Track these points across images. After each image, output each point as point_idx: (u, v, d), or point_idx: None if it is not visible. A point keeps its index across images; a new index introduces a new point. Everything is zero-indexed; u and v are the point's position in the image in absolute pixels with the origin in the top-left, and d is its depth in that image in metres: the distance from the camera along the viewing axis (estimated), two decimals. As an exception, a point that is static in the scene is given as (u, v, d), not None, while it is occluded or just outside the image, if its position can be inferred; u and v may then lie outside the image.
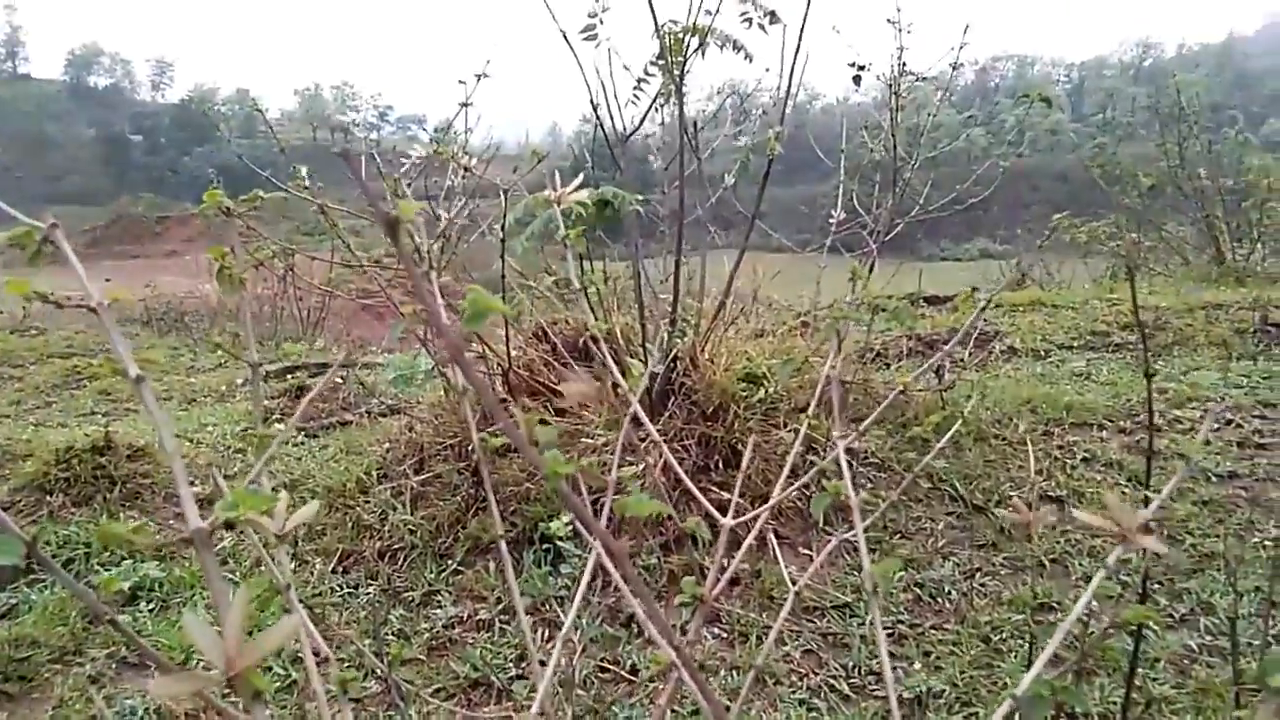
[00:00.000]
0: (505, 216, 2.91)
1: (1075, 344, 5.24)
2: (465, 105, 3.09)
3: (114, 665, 2.68)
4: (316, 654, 2.63)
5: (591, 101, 3.30)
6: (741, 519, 1.45)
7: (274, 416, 5.38)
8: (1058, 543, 3.06)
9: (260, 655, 0.64)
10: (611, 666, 2.60)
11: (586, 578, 1.47)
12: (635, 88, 3.40)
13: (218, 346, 8.76)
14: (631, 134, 3.32)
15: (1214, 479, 3.36)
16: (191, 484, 2.55)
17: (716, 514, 1.42)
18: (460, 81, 3.39)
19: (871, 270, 3.93)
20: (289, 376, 6.66)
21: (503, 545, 1.27)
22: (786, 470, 1.76)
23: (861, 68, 3.60)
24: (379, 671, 2.57)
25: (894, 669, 2.51)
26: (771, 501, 1.45)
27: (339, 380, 6.17)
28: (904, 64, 3.75)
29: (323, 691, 1.10)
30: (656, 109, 3.33)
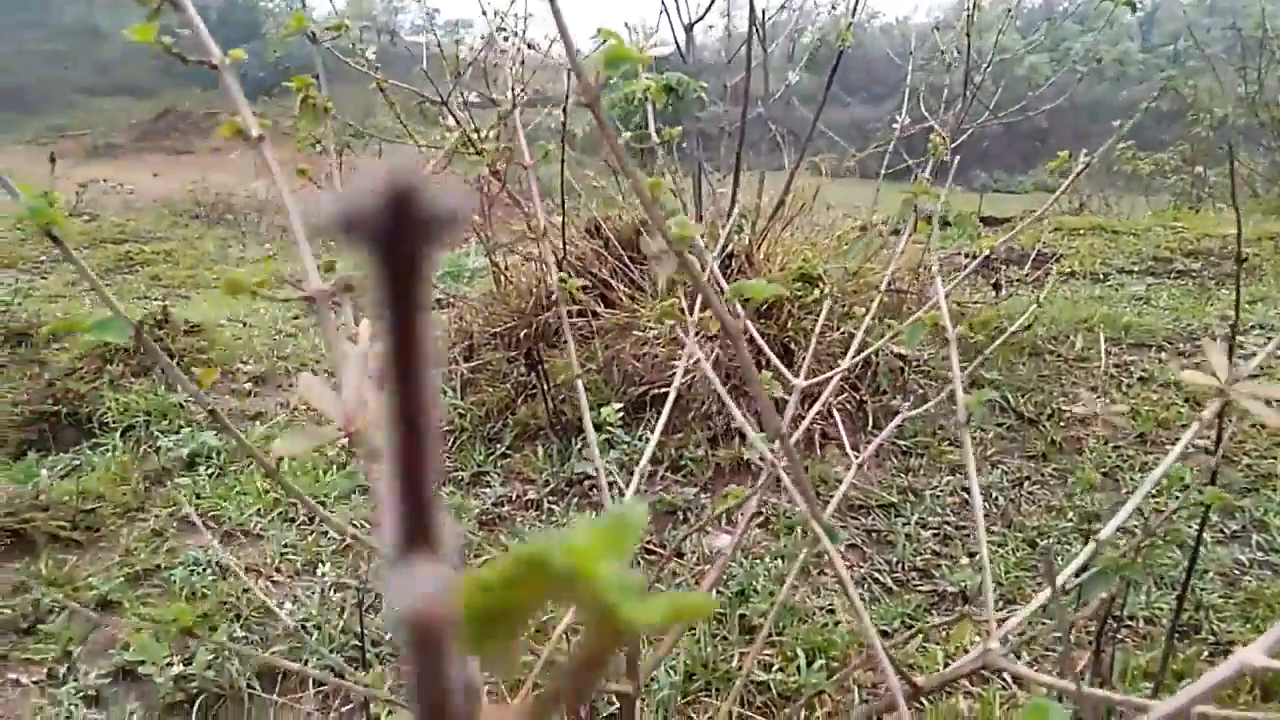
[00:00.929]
0: (568, 98, 2.86)
1: (1135, 269, 5.11)
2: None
3: (175, 523, 2.77)
4: (373, 522, 2.68)
5: (659, -14, 3.21)
6: (812, 381, 1.44)
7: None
8: (1109, 457, 3.03)
9: (379, 411, 0.64)
10: (658, 549, 2.64)
11: (652, 446, 1.47)
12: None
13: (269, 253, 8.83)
14: (697, 21, 3.23)
15: (1275, 404, 3.29)
16: (246, 361, 2.58)
17: (788, 374, 1.41)
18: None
19: (937, 176, 3.84)
20: (338, 266, 6.70)
21: (580, 387, 1.27)
22: (852, 350, 1.74)
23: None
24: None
25: (939, 564, 2.52)
26: (844, 365, 1.43)
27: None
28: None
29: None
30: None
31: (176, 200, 12.05)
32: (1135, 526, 2.46)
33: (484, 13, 3.08)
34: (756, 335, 1.76)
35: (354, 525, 2.30)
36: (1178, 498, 2.59)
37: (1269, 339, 3.65)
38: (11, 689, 2.00)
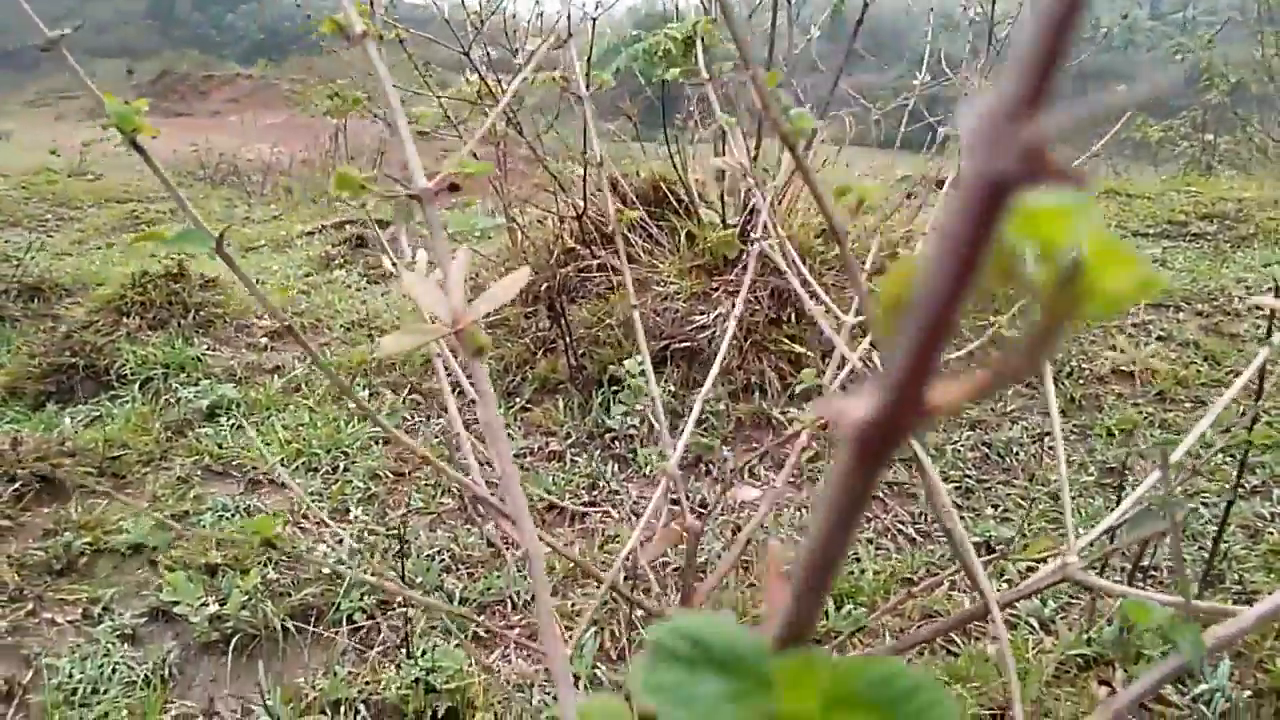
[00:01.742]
0: (591, 49, 2.83)
1: (1150, 232, 5.10)
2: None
3: (199, 471, 2.78)
4: (395, 473, 2.69)
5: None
6: (860, 319, 1.44)
7: (335, 263, 5.42)
8: (1128, 413, 3.04)
9: (483, 313, 0.65)
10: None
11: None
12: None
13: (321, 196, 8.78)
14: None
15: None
16: (261, 317, 2.56)
17: (838, 311, 1.41)
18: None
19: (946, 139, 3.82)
20: (346, 227, 6.68)
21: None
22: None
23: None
24: (454, 490, 2.65)
25: (961, 517, 2.54)
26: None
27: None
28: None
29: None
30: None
31: (177, 161, 11.97)
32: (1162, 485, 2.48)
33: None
34: (800, 281, 1.76)
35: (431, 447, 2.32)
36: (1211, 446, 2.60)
37: (1287, 300, 3.65)
38: (48, 628, 2.02)
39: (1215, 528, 2.40)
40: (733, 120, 1.49)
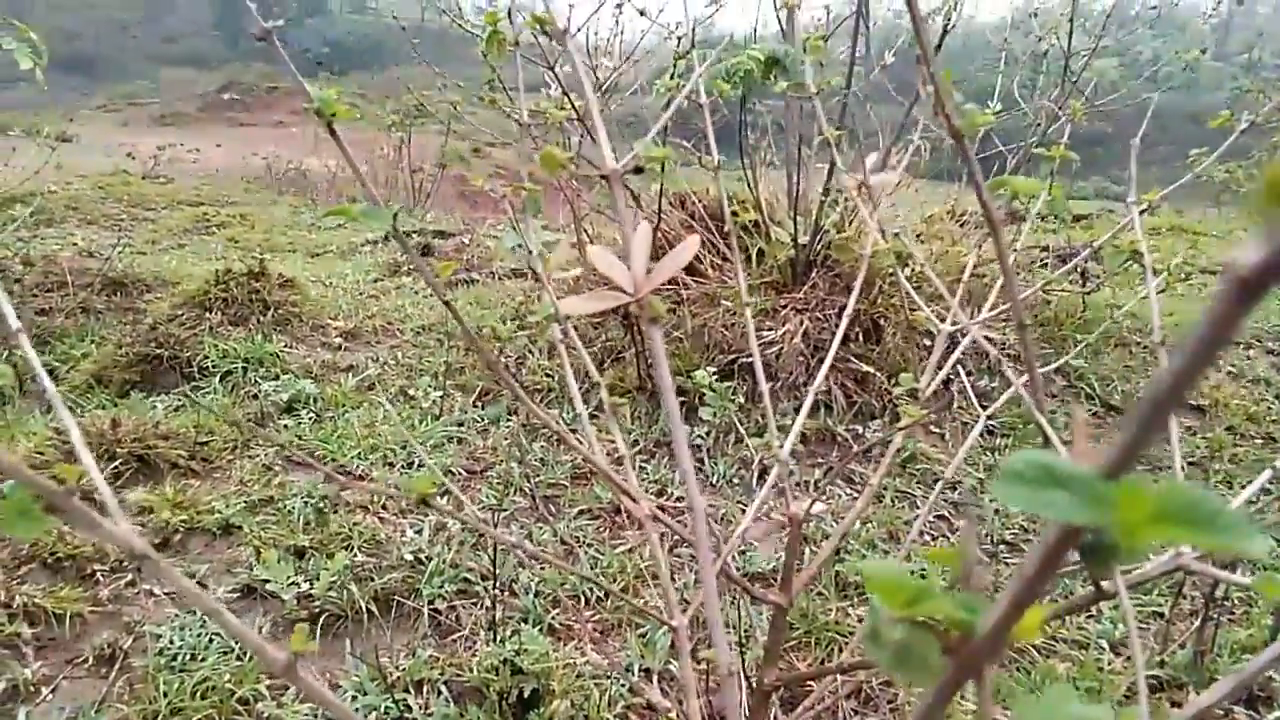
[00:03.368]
0: (675, 64, 2.91)
1: (1218, 269, 5.06)
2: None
3: (281, 460, 2.88)
4: (468, 470, 2.76)
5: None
6: (957, 326, 1.48)
7: (402, 269, 5.55)
8: (1197, 447, 3.03)
9: (661, 280, 0.71)
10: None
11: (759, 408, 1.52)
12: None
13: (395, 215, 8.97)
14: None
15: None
16: (335, 318, 2.66)
17: (936, 321, 1.46)
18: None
19: (1016, 171, 3.84)
20: (412, 237, 6.85)
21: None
22: (989, 302, 1.78)
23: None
24: (526, 489, 2.72)
25: (1029, 539, 2.55)
26: (988, 308, 1.48)
27: (463, 243, 6.32)
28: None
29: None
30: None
31: (241, 170, 12.32)
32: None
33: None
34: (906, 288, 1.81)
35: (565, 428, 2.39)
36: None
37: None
38: (146, 598, 2.11)
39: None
40: (840, 133, 1.55)
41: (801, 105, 3.33)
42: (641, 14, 3.02)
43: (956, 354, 1.63)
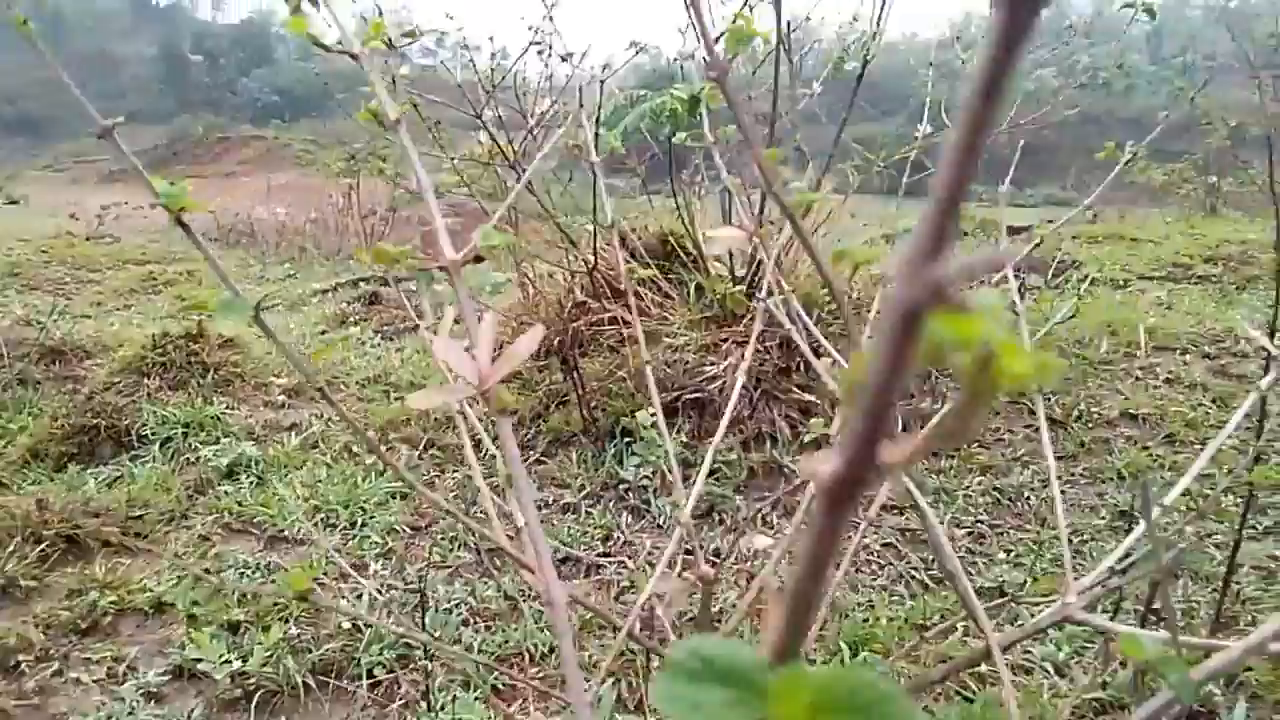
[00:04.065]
0: (600, 109, 2.92)
1: (1156, 275, 5.15)
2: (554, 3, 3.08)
3: (219, 529, 2.82)
4: (412, 527, 2.73)
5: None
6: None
7: (350, 320, 5.51)
8: (1138, 456, 3.05)
9: (505, 373, 0.69)
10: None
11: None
12: (728, -12, 3.36)
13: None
14: (722, 35, 3.28)
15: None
16: (278, 375, 2.63)
17: (843, 361, 1.45)
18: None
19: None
20: (360, 285, 6.80)
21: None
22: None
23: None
24: (471, 544, 2.68)
25: (975, 562, 2.56)
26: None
27: (411, 289, 6.27)
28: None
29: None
30: (749, 8, 3.29)
31: (192, 223, 12.15)
32: (1172, 524, 2.50)
33: (529, 29, 3.13)
34: (798, 338, 1.81)
35: (449, 503, 2.36)
36: (1213, 488, 2.62)
37: (1293, 340, 3.69)
38: (74, 687, 2.04)
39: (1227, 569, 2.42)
40: (738, 182, 1.55)
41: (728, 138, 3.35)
42: (564, 59, 3.03)
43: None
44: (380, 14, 4.03)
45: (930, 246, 0.19)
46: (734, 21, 0.74)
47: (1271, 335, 1.66)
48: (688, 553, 2.58)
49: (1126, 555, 1.01)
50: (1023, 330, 1.35)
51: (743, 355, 3.24)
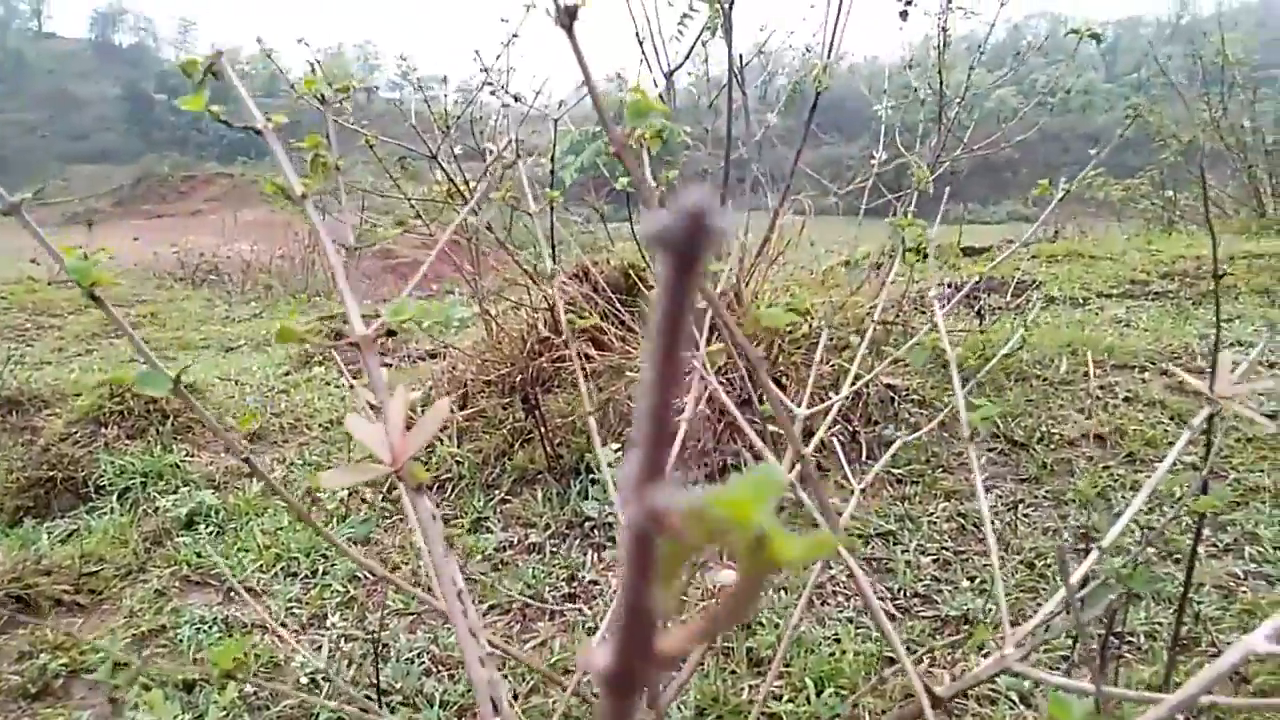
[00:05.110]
0: (554, 147, 2.93)
1: (1114, 292, 5.21)
2: (513, 38, 3.10)
3: (177, 582, 2.77)
4: (372, 573, 2.68)
5: (636, 35, 3.30)
6: (813, 410, 1.48)
7: (314, 359, 5.46)
8: (1100, 478, 3.07)
9: (420, 446, 0.68)
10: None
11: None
12: (680, 22, 3.39)
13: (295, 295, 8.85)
14: (677, 68, 3.32)
15: (1258, 418, 3.35)
16: (234, 418, 2.58)
17: (789, 403, 1.45)
18: (503, 19, 3.40)
19: (909, 211, 3.93)
20: (325, 323, 6.76)
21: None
22: (850, 378, 1.79)
23: (909, 2, 3.57)
24: (432, 589, 2.64)
25: (940, 590, 2.55)
26: (843, 392, 1.48)
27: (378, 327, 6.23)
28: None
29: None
30: (702, 43, 3.32)
31: (158, 263, 12.09)
32: (1132, 543, 2.51)
33: (482, 69, 3.15)
34: (749, 371, 1.80)
35: (373, 572, 2.33)
36: (1171, 509, 2.64)
37: (1248, 354, 3.74)
38: (22, 755, 1.99)
39: (1192, 586, 2.43)
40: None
41: (681, 178, 3.37)
42: (516, 99, 3.04)
43: (821, 432, 1.63)
44: (314, 70, 4.03)
45: (647, 474, 0.18)
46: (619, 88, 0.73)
47: (1213, 362, 1.68)
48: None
49: (1064, 601, 1.01)
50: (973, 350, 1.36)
51: (705, 386, 3.23)
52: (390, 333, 0.73)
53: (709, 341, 1.45)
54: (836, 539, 0.20)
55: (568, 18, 0.56)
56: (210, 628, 2.44)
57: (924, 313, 4.60)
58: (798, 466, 1.56)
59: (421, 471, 0.67)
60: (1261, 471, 2.99)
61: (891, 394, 3.51)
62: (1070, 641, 2.11)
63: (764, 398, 1.50)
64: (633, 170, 0.69)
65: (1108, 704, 0.73)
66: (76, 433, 3.78)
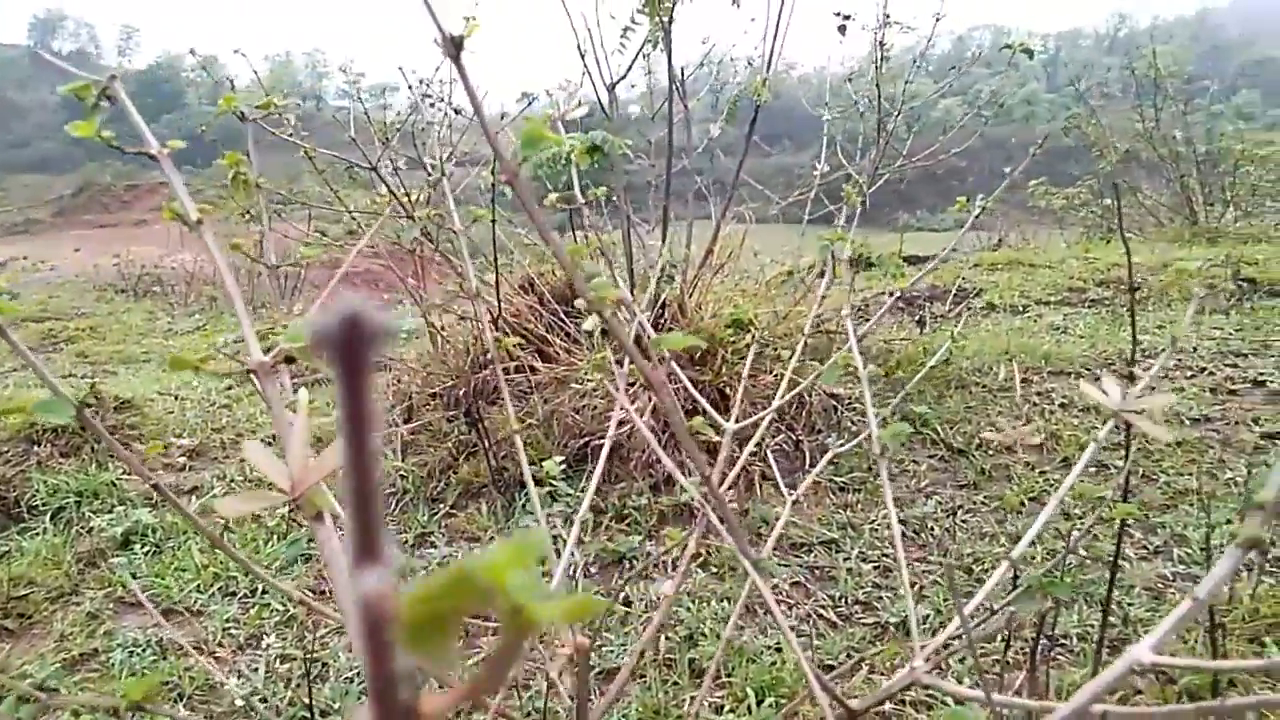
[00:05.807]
0: (495, 160, 2.92)
1: (1052, 299, 5.33)
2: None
3: (111, 604, 2.71)
4: (315, 591, 2.65)
5: (578, 48, 3.31)
6: (743, 424, 1.50)
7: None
8: (1036, 482, 3.14)
9: (321, 475, 0.68)
10: (604, 599, 2.65)
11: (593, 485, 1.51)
12: (622, 35, 3.41)
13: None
14: (619, 80, 3.33)
15: (1187, 422, 3.45)
16: (180, 435, 2.56)
17: (719, 418, 1.46)
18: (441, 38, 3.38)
19: (852, 222, 3.98)
20: (270, 336, 6.65)
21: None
22: (781, 392, 1.80)
23: (847, 17, 3.62)
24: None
25: (881, 597, 2.58)
26: (772, 406, 1.49)
27: (322, 339, 6.16)
28: (888, 15, 3.77)
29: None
30: (644, 56, 3.34)
31: (99, 275, 11.83)
32: (1061, 547, 2.56)
33: (408, 86, 3.14)
34: (688, 384, 1.82)
35: (301, 593, 2.29)
36: (1091, 515, 2.70)
37: (1179, 359, 3.85)
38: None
39: (1119, 593, 2.49)
40: (612, 242, 1.56)
41: (627, 189, 3.39)
42: (457, 113, 3.03)
43: (751, 445, 1.65)
44: (256, 79, 3.98)
45: (363, 557, 0.19)
46: (529, 105, 0.74)
47: (1131, 371, 1.73)
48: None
49: (976, 615, 1.03)
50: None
51: (650, 398, 3.25)
52: (289, 359, 0.72)
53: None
54: (596, 601, 0.20)
55: (454, 48, 0.57)
56: (144, 651, 2.39)
57: (868, 320, 4.66)
58: (729, 476, 1.57)
59: (321, 499, 0.67)
60: (1189, 475, 3.08)
61: (835, 403, 3.55)
62: (1003, 646, 2.15)
63: (694, 414, 1.52)
64: (525, 199, 0.70)
65: (1000, 713, 0.75)
66: (8, 451, 3.68)
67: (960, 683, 1.89)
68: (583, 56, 3.33)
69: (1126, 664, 0.69)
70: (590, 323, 1.17)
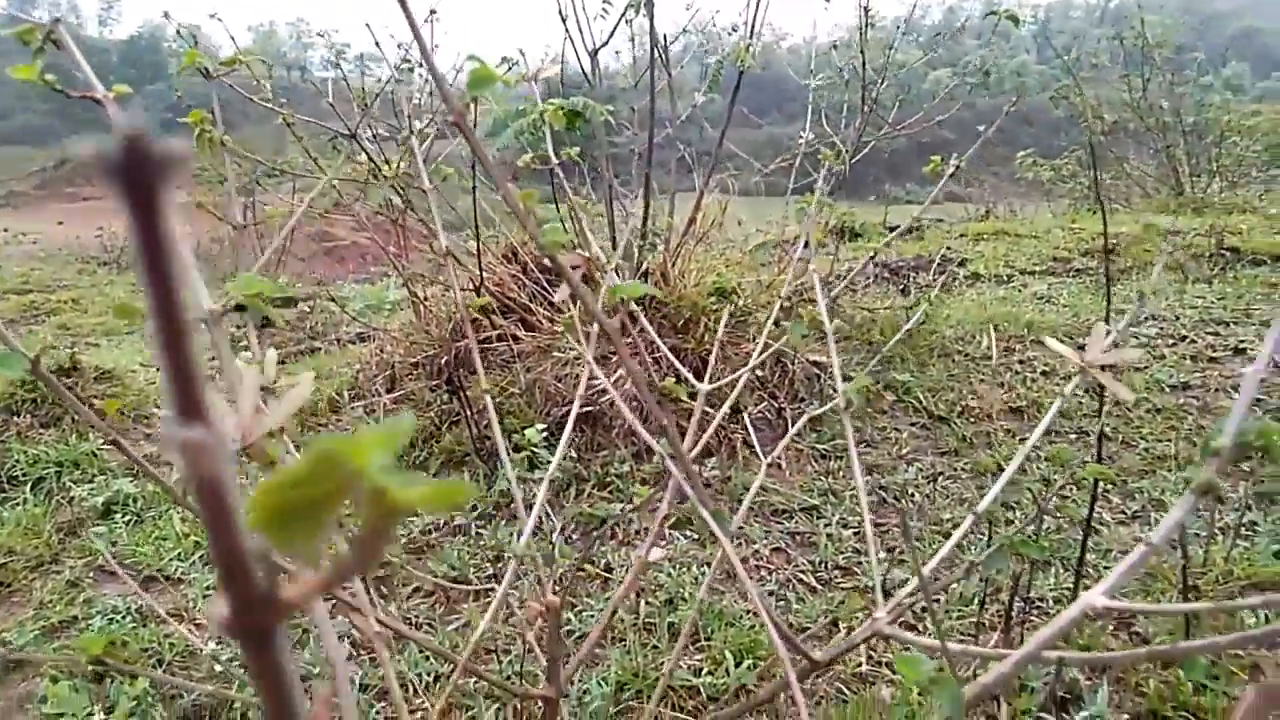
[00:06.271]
0: (475, 125, 2.89)
1: (1037, 269, 5.34)
2: (432, 13, 3.05)
3: (91, 573, 2.70)
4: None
5: (559, 12, 3.27)
6: (718, 383, 1.50)
7: (241, 344, 5.34)
8: (1016, 449, 3.15)
9: (271, 426, 0.67)
10: (586, 565, 2.66)
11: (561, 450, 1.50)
12: (604, 0, 3.37)
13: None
14: (601, 46, 3.30)
15: (1167, 389, 3.47)
16: (159, 408, 2.55)
17: (693, 380, 1.46)
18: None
19: (832, 187, 3.97)
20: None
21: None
22: (755, 354, 1.80)
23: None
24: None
25: (860, 562, 2.60)
26: (749, 365, 1.49)
27: (306, 310, 6.14)
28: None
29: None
30: (627, 22, 3.30)
31: (82, 247, 11.72)
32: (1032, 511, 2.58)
33: (376, 44, 3.10)
34: (669, 353, 1.81)
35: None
36: (1065, 475, 2.73)
37: (1160, 327, 3.87)
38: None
39: (1096, 556, 2.51)
40: (585, 204, 1.55)
41: (611, 158, 3.36)
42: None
43: (727, 405, 1.65)
44: (234, 45, 3.90)
45: (184, 411, 0.18)
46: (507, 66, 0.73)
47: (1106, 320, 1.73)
48: (578, 568, 2.55)
49: (939, 567, 1.03)
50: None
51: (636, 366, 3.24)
52: (239, 307, 0.71)
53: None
54: (461, 485, 0.20)
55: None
56: (124, 618, 2.39)
57: (854, 292, 4.66)
58: (703, 438, 1.57)
59: (273, 450, 0.67)
60: (1169, 441, 3.10)
61: (817, 371, 3.55)
62: (979, 607, 2.17)
63: (667, 378, 1.51)
64: (471, 142, 0.69)
65: (957, 661, 0.76)
66: (-13, 422, 3.66)
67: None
68: (564, 21, 3.29)
69: (1080, 608, 0.69)
70: (561, 293, 1.16)
